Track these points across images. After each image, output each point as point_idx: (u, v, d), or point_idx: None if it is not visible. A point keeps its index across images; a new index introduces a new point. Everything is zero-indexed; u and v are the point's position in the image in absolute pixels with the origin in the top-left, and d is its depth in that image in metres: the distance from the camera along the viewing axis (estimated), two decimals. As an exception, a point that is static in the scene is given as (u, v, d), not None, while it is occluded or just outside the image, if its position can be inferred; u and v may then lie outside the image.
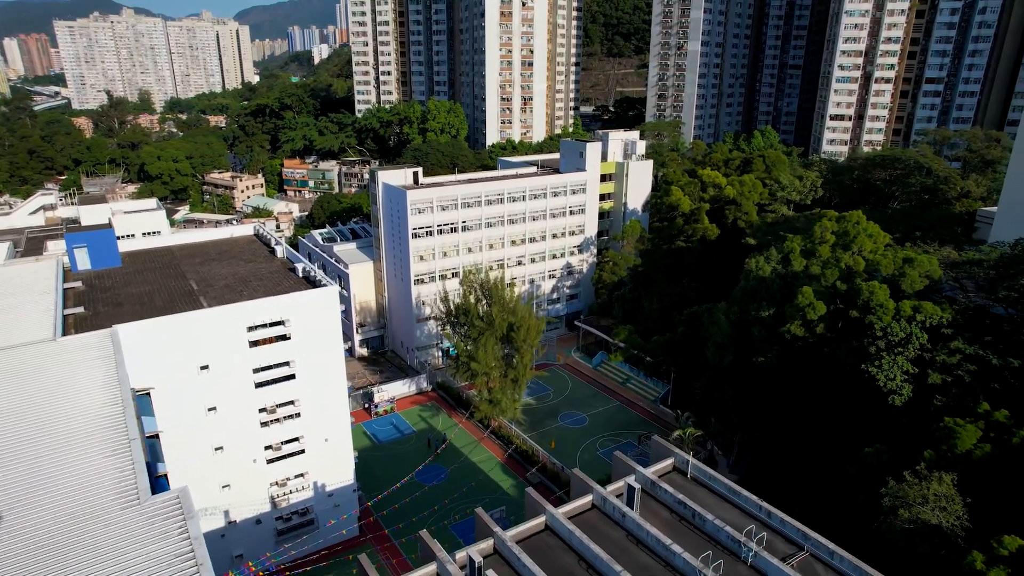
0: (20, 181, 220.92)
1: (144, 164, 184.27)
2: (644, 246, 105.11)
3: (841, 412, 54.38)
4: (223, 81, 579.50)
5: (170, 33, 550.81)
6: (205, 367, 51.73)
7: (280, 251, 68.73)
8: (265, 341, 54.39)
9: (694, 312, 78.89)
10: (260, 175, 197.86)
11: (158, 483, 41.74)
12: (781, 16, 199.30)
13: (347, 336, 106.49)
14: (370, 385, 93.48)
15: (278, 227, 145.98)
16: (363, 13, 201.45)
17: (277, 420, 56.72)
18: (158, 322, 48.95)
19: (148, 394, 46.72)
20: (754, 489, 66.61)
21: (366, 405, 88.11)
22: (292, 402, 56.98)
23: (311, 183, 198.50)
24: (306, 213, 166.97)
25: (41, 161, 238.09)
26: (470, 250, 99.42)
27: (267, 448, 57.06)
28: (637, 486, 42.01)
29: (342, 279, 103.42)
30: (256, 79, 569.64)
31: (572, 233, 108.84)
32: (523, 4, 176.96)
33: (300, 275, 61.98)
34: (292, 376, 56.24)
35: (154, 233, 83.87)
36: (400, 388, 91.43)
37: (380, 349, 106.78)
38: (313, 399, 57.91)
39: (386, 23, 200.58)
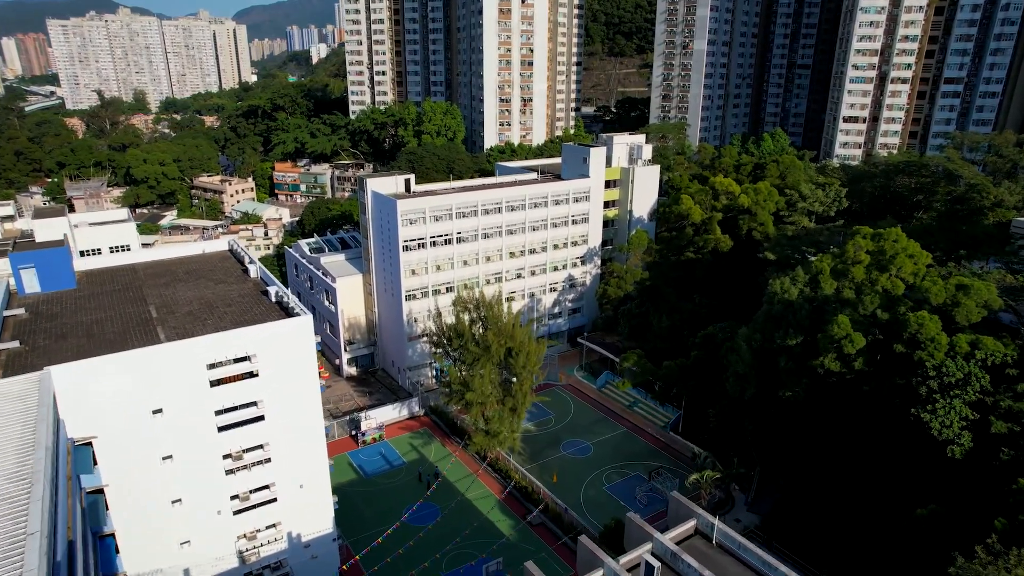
0: (6, 183, 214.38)
1: (129, 167, 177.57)
2: (651, 258, 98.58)
3: (885, 459, 47.83)
4: (220, 81, 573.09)
5: (166, 32, 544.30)
6: (158, 411, 45.17)
7: (254, 270, 62.14)
8: (229, 379, 47.81)
9: (709, 335, 72.41)
10: (250, 179, 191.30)
11: (103, 544, 35.20)
12: (790, 14, 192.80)
13: (335, 354, 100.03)
14: (358, 410, 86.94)
15: (266, 234, 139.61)
16: (357, 11, 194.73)
17: (244, 467, 50.16)
18: (99, 362, 42.39)
19: (90, 444, 40.36)
20: (780, 538, 60.23)
21: (353, 432, 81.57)
22: (261, 446, 50.45)
23: (303, 187, 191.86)
24: (297, 219, 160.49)
25: (29, 163, 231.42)
26: (466, 263, 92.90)
27: (233, 498, 50.50)
28: (656, 564, 35.46)
29: (329, 293, 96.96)
30: (254, 79, 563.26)
31: (575, 244, 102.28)
32: (523, 1, 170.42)
33: (273, 299, 55.40)
34: (261, 417, 49.69)
35: (122, 248, 77.27)
36: (390, 413, 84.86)
37: (370, 367, 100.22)
38: (286, 442, 51.36)
39: (381, 21, 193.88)
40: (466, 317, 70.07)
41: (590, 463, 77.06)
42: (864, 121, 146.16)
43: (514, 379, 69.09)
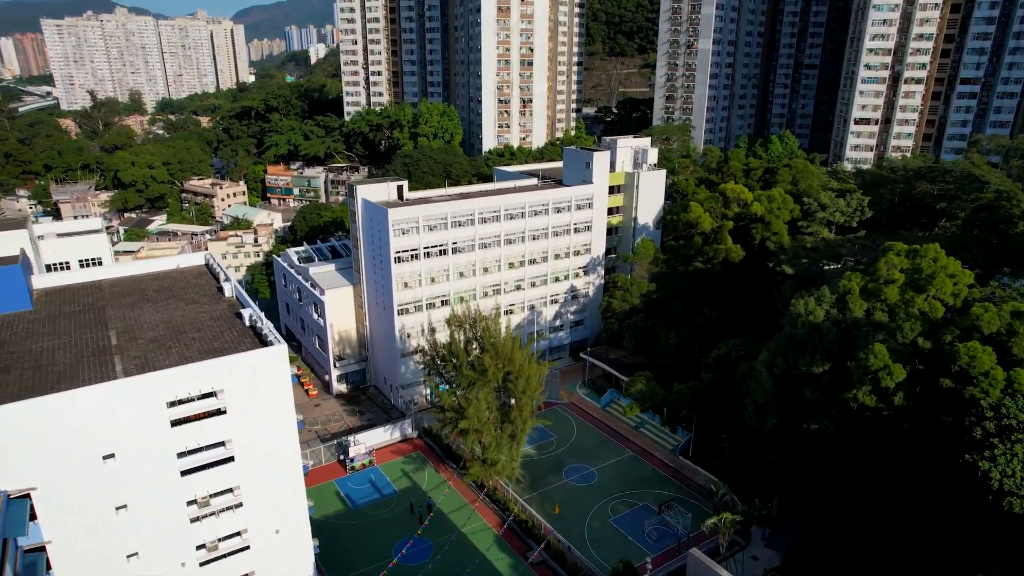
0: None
1: (117, 170, 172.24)
2: (658, 268, 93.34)
3: (930, 507, 42.63)
4: (217, 81, 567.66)
5: (162, 32, 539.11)
6: (110, 456, 40.01)
7: (229, 289, 56.89)
8: (194, 417, 42.61)
9: (722, 355, 67.20)
10: (242, 182, 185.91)
11: (44, 611, 29.98)
12: (797, 12, 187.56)
13: (324, 370, 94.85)
14: (347, 432, 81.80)
15: (256, 240, 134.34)
16: (352, 9, 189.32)
17: (212, 513, 44.95)
18: (40, 403, 37.20)
19: (27, 496, 35.18)
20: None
21: (341, 458, 76.34)
22: (231, 490, 45.24)
23: (296, 191, 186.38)
24: (289, 224, 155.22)
25: (18, 165, 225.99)
26: (462, 275, 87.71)
27: (200, 548, 45.32)
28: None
29: (317, 306, 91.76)
30: (252, 79, 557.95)
31: (577, 253, 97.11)
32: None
33: (247, 323, 50.19)
34: (230, 459, 44.48)
35: (93, 262, 72.19)
36: (380, 436, 79.66)
37: (361, 384, 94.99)
38: (259, 484, 46.14)
39: (376, 20, 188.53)
40: (460, 336, 64.83)
41: (595, 492, 71.86)
42: (876, 123, 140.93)
43: (513, 402, 63.85)
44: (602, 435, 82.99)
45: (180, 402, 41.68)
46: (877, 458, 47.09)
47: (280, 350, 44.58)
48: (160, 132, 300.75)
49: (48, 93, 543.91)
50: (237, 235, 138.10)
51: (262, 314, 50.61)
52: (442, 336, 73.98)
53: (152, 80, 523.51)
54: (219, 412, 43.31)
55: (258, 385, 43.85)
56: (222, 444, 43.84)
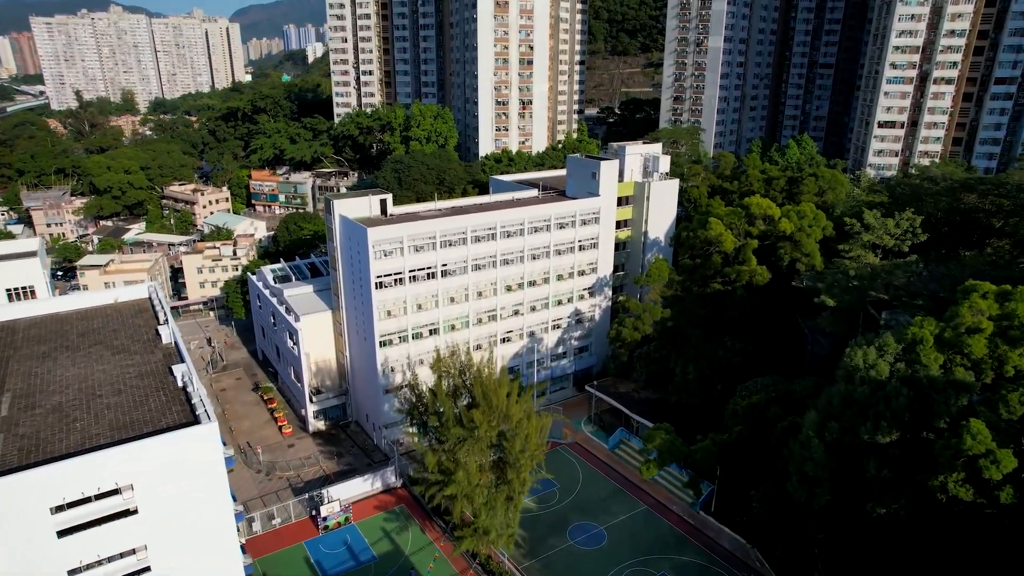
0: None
1: (91, 175, 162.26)
2: (672, 291, 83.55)
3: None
4: (212, 80, 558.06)
5: (155, 31, 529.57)
6: (-27, 582, 30.21)
7: (167, 334, 47.16)
8: (92, 523, 32.85)
9: (754, 405, 57.46)
10: (225, 188, 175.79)
11: None
12: (811, 8, 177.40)
13: (300, 404, 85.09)
14: (322, 481, 72.12)
15: (235, 253, 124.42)
16: (341, 5, 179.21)
17: (122, 637, 35.13)
18: None
19: None
20: None
21: (312, 514, 66.53)
22: (147, 607, 35.43)
23: (282, 198, 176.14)
24: (272, 234, 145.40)
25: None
26: (453, 300, 77.94)
27: None
28: None
29: (292, 334, 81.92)
30: (248, 78, 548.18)
31: (582, 273, 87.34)
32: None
33: (180, 383, 40.44)
34: (146, 569, 34.67)
35: (23, 292, 62.34)
36: (359, 487, 69.88)
37: (341, 420, 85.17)
38: (185, 596, 36.32)
39: (367, 16, 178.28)
40: (447, 383, 55.04)
41: (604, 557, 62.10)
42: (902, 126, 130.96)
43: (509, 466, 54.07)
44: (611, 483, 73.25)
45: (71, 505, 31.88)
46: (969, 559, 37.31)
47: (208, 430, 34.77)
48: (149, 133, 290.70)
49: (41, 93, 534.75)
50: (215, 247, 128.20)
51: (193, 372, 40.83)
52: (427, 371, 64.24)
53: (145, 79, 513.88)
54: (128, 513, 33.51)
55: (180, 475, 34.07)
56: (132, 553, 34.05)
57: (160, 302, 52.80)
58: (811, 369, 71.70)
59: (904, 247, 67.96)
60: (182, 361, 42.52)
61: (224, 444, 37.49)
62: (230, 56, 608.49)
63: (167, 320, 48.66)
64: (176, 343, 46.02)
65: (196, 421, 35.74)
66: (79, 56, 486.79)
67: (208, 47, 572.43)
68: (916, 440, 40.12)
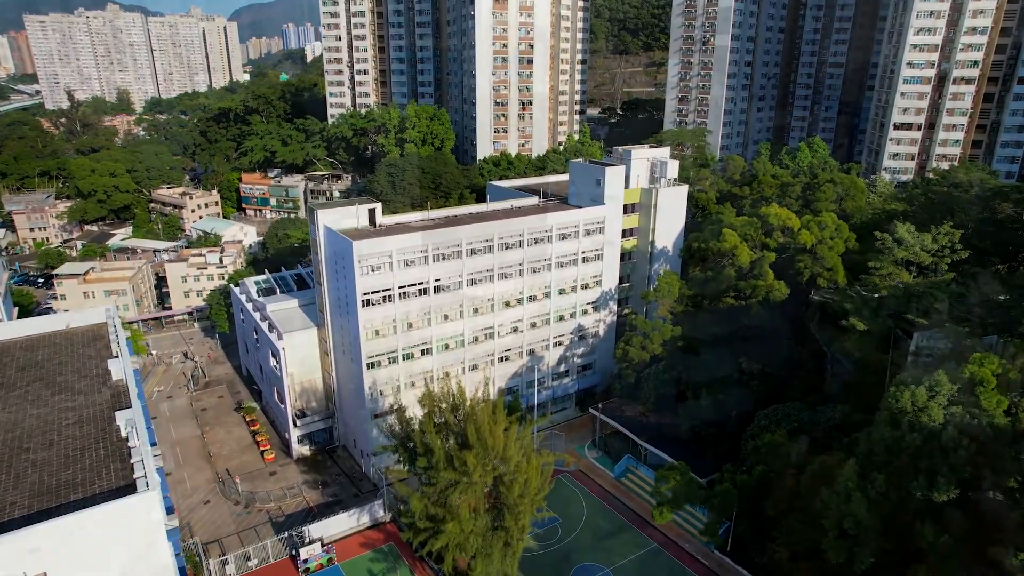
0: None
1: (76, 179, 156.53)
2: (683, 307, 77.92)
3: None
4: (210, 80, 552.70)
5: (152, 29, 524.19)
6: None
7: (116, 369, 41.50)
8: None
9: (775, 445, 51.86)
10: (215, 191, 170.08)
11: None
12: (821, 5, 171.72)
13: (283, 427, 79.49)
14: (305, 515, 66.53)
15: (221, 261, 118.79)
16: (335, 2, 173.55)
17: None
18: None
19: None
20: None
21: (292, 554, 60.92)
22: None
23: (273, 201, 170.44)
24: (261, 240, 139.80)
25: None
26: (447, 317, 72.32)
27: None
28: None
29: (275, 353, 76.29)
30: (246, 77, 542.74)
31: (585, 287, 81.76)
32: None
33: (123, 433, 34.81)
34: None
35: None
36: (345, 523, 64.25)
37: (327, 445, 79.50)
38: None
39: (362, 14, 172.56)
40: (437, 419, 49.40)
41: (612, 605, 56.56)
42: (919, 128, 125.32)
43: (507, 511, 48.45)
44: (617, 516, 67.65)
45: (-30, 599, 26.26)
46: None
47: (148, 499, 29.08)
48: (143, 133, 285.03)
49: (38, 92, 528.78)
50: (201, 254, 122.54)
51: (142, 419, 35.19)
52: (419, 394, 58.52)
53: (141, 79, 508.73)
54: (45, 603, 27.84)
55: (106, 560, 28.39)
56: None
57: (115, 329, 47.13)
58: (833, 395, 66.25)
59: (943, 265, 62.26)
60: (129, 405, 36.88)
61: (171, 512, 31.84)
62: (227, 55, 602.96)
63: (118, 353, 43.00)
64: (127, 380, 40.39)
65: (133, 487, 30.12)
66: (74, 55, 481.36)
67: (205, 46, 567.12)
68: (981, 501, 34.48)
